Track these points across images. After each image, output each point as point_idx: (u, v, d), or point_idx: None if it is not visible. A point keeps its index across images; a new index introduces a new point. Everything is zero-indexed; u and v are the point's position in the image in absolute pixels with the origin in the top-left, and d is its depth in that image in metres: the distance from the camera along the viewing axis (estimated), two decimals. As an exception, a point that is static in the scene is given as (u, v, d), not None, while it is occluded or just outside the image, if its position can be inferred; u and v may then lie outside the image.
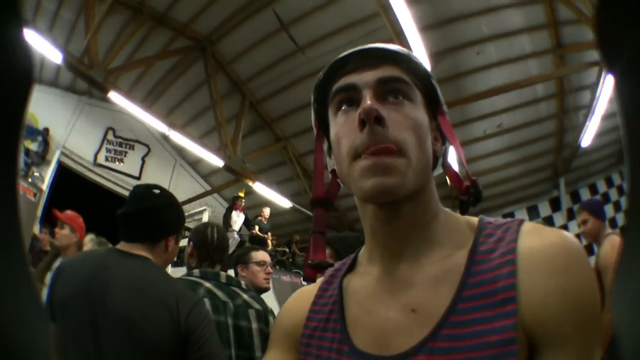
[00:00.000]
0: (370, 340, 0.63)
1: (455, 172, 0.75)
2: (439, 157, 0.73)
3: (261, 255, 2.64)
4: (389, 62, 0.68)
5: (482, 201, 0.68)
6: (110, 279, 1.51)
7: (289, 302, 0.82)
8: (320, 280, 0.80)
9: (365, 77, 0.67)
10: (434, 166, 0.72)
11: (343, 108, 0.68)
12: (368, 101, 0.63)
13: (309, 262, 0.73)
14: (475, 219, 0.68)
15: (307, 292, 0.80)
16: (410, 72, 0.69)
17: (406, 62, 0.70)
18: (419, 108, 0.68)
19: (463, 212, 0.72)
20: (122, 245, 1.66)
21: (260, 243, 8.08)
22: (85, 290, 1.49)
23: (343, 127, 0.66)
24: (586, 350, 0.51)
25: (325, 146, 0.78)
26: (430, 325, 0.57)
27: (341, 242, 2.04)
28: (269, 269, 2.63)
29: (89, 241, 2.64)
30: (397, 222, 0.66)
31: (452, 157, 0.79)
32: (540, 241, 0.57)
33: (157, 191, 1.76)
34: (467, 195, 0.70)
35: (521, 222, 0.62)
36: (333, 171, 0.76)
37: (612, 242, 3.01)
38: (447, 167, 0.76)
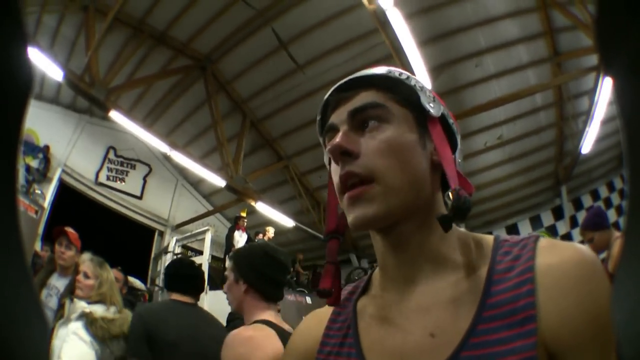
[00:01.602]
0: None
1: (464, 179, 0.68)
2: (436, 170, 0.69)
3: None
4: (364, 88, 0.68)
5: (466, 217, 0.60)
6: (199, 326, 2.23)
7: (302, 325, 0.81)
8: None
9: (340, 115, 0.68)
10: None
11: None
12: (337, 139, 0.64)
13: (316, 290, 0.75)
14: (490, 237, 0.67)
15: (321, 315, 0.79)
16: (389, 91, 0.68)
17: (383, 82, 0.68)
18: (399, 127, 0.66)
19: (445, 230, 0.62)
20: (179, 296, 2.41)
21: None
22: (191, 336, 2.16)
23: (332, 166, 0.70)
24: (607, 358, 0.50)
25: None
26: (450, 348, 0.56)
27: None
28: None
29: (87, 260, 2.61)
30: (403, 245, 0.65)
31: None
32: (557, 258, 0.56)
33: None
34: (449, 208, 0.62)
35: (537, 238, 0.61)
36: None
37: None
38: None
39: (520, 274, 0.57)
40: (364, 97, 0.67)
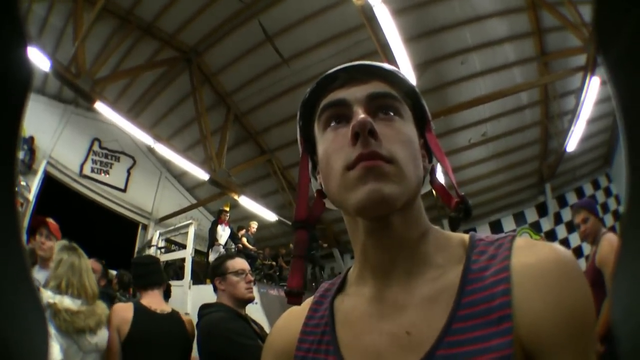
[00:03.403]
0: None
1: (444, 189, 0.73)
2: (426, 174, 0.71)
3: (239, 263, 2.38)
4: (377, 78, 0.68)
5: (471, 216, 0.67)
6: None
7: (280, 322, 0.81)
8: (310, 299, 0.79)
9: (355, 93, 0.66)
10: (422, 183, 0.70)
11: (332, 125, 0.67)
12: (361, 115, 0.62)
13: (285, 289, 0.72)
14: (465, 236, 0.68)
15: (298, 312, 0.78)
16: (399, 88, 0.69)
17: (394, 78, 0.70)
18: (408, 124, 0.67)
19: (454, 229, 0.71)
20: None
21: (250, 257, 8.04)
22: None
23: (333, 143, 0.65)
24: (583, 357, 0.51)
25: (309, 165, 0.76)
26: (426, 346, 0.56)
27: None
28: (250, 277, 2.36)
29: (61, 249, 2.54)
30: (388, 240, 0.64)
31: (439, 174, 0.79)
32: (533, 257, 0.56)
33: None
34: (456, 211, 0.68)
35: (513, 238, 0.62)
36: (318, 191, 0.74)
37: (610, 240, 3.09)
38: (435, 183, 0.74)
39: (495, 273, 0.57)
40: (379, 86, 0.67)
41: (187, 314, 6.33)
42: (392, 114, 0.65)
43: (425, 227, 0.67)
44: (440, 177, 0.78)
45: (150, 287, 2.70)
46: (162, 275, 2.88)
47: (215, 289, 2.38)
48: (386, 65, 0.70)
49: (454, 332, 0.55)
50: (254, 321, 2.38)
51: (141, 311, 2.52)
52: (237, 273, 2.33)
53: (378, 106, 0.65)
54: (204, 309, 2.32)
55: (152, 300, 2.63)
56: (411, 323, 0.60)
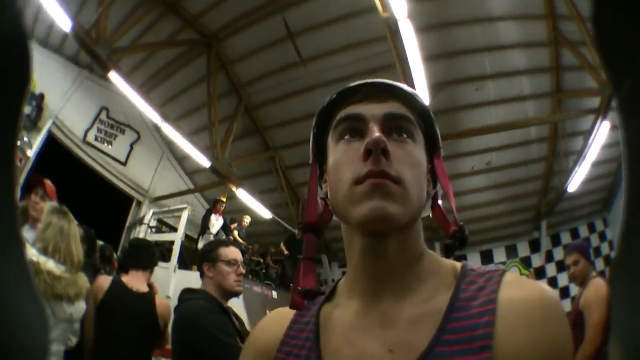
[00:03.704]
0: None
1: (444, 215, 0.74)
2: (428, 199, 0.72)
3: (232, 252, 2.25)
4: (395, 98, 0.70)
5: (467, 246, 0.68)
6: None
7: (265, 321, 0.82)
8: None
9: (372, 110, 0.68)
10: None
11: (346, 137, 0.69)
12: (377, 133, 0.64)
13: (299, 288, 0.71)
14: (457, 264, 0.69)
15: (284, 314, 0.79)
16: (415, 111, 0.71)
17: (412, 101, 0.71)
18: (419, 148, 0.69)
19: (448, 256, 0.72)
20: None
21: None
22: None
23: (345, 156, 0.67)
24: None
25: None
26: None
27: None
28: (241, 270, 2.24)
29: (52, 211, 2.48)
30: (384, 259, 0.66)
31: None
32: (519, 293, 0.58)
33: None
34: (453, 239, 0.69)
35: (503, 272, 0.64)
36: (323, 199, 0.75)
37: (597, 286, 3.11)
38: (436, 209, 0.75)
39: (482, 305, 0.59)
40: (396, 107, 0.69)
41: (168, 297, 6.37)
42: (405, 136, 0.67)
43: (421, 250, 0.68)
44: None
45: (136, 268, 2.93)
46: (153, 261, 3.07)
47: (202, 275, 2.24)
48: (406, 87, 0.72)
49: (435, 354, 0.57)
50: (236, 315, 2.28)
51: (117, 286, 2.76)
52: (229, 263, 2.20)
53: (393, 127, 0.67)
54: (186, 294, 2.21)
55: (133, 279, 2.86)
56: (395, 342, 0.61)
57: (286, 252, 9.30)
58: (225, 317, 2.13)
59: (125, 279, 2.85)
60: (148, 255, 3.04)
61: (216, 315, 2.08)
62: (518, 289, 0.59)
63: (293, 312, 0.77)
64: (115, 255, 5.27)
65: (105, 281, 2.80)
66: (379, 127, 0.66)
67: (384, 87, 0.70)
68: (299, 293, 0.71)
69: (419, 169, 0.66)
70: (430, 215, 0.76)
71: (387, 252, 0.65)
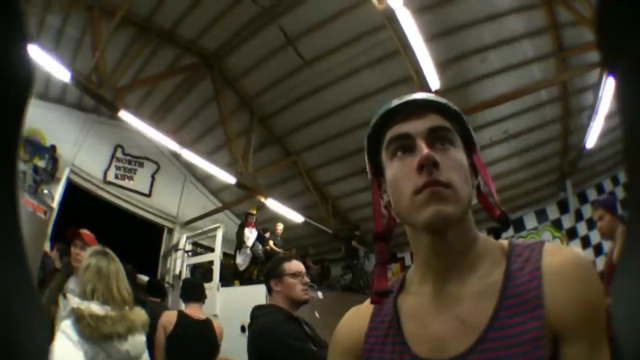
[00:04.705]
0: (428, 348, 0.76)
1: (489, 202, 0.86)
2: (473, 189, 0.83)
3: (295, 265, 2.44)
4: (433, 111, 0.82)
5: (510, 227, 0.83)
6: None
7: (346, 320, 0.95)
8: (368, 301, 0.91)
9: (416, 127, 0.80)
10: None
11: (398, 154, 0.81)
12: (425, 150, 0.76)
13: (375, 290, 0.84)
14: (504, 242, 0.82)
15: (362, 311, 0.92)
16: (451, 119, 0.83)
17: (447, 110, 0.83)
18: (459, 151, 0.81)
19: (496, 237, 0.87)
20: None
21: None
22: None
23: (401, 171, 0.79)
24: (597, 340, 0.66)
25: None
26: (479, 331, 0.71)
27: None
28: (306, 279, 2.42)
29: (91, 254, 2.49)
30: (446, 248, 0.78)
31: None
32: (558, 259, 0.72)
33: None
34: (499, 223, 0.83)
35: (543, 243, 0.77)
36: (386, 207, 0.88)
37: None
38: (481, 197, 0.87)
39: (530, 272, 0.73)
40: (436, 120, 0.81)
41: (215, 315, 6.44)
42: (447, 144, 0.79)
43: (474, 235, 0.82)
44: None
45: (193, 301, 3.78)
46: (204, 294, 3.92)
47: (270, 291, 2.42)
48: (439, 99, 0.84)
49: (499, 318, 0.70)
50: (306, 322, 2.41)
51: (183, 317, 3.55)
52: (294, 275, 2.37)
53: (437, 138, 0.79)
54: (257, 311, 2.38)
55: (192, 310, 3.69)
56: (465, 313, 0.75)
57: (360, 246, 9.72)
58: (296, 324, 2.27)
59: (187, 310, 3.68)
60: (200, 290, 3.89)
61: (288, 324, 2.23)
62: (556, 256, 0.73)
63: (370, 307, 0.90)
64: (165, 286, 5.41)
65: (172, 315, 3.53)
66: (425, 141, 0.78)
67: (421, 103, 0.82)
68: (374, 293, 0.84)
69: (463, 169, 0.78)
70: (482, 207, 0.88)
71: (448, 243, 0.78)
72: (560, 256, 0.73)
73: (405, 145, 0.79)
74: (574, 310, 0.67)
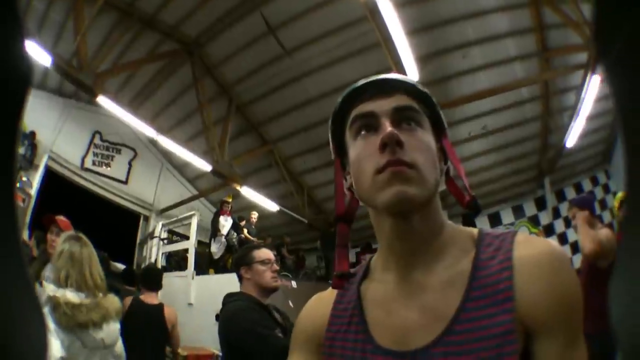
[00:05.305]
0: (391, 338, 0.72)
1: (457, 188, 0.82)
2: (441, 175, 0.79)
3: (264, 253, 2.47)
4: (400, 91, 0.77)
5: (480, 213, 0.78)
6: None
7: (308, 307, 0.91)
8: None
9: (382, 106, 0.76)
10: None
11: (362, 133, 0.77)
12: (388, 127, 0.72)
13: (335, 273, 0.81)
14: (474, 230, 0.79)
15: (325, 297, 0.89)
16: (418, 100, 0.78)
17: (415, 92, 0.79)
18: (427, 133, 0.76)
19: (467, 224, 0.84)
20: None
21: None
22: None
23: (364, 150, 0.75)
24: (571, 336, 0.64)
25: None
26: (445, 322, 0.68)
27: None
28: (275, 267, 2.45)
29: (65, 239, 2.44)
30: (411, 234, 0.74)
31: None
32: (531, 250, 0.68)
33: None
34: (468, 208, 0.79)
35: (515, 233, 0.74)
36: (349, 189, 0.83)
37: (604, 234, 3.17)
38: (449, 183, 0.83)
39: (500, 262, 0.69)
40: (402, 100, 0.76)
41: (190, 304, 6.41)
42: (413, 124, 0.75)
43: (441, 221, 0.77)
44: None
45: (148, 288, 3.93)
46: (159, 283, 4.10)
47: (240, 279, 2.43)
48: (408, 79, 0.80)
49: (467, 309, 0.67)
50: (278, 310, 2.46)
51: (136, 302, 3.71)
52: (263, 262, 2.40)
53: (402, 118, 0.75)
54: (227, 298, 2.41)
55: (147, 296, 3.84)
56: (431, 303, 0.71)
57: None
58: (264, 312, 2.30)
59: (142, 297, 3.83)
60: (156, 278, 4.07)
61: (253, 312, 2.25)
62: (529, 247, 0.69)
63: (332, 294, 0.87)
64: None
65: (127, 301, 3.64)
66: (390, 120, 0.74)
67: (389, 82, 0.78)
68: (335, 276, 0.81)
69: (430, 151, 0.74)
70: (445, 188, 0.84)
71: (413, 227, 0.73)
72: (533, 247, 0.69)
73: (369, 123, 0.76)
74: (547, 304, 0.64)
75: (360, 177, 0.75)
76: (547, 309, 0.63)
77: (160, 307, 3.84)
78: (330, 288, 0.89)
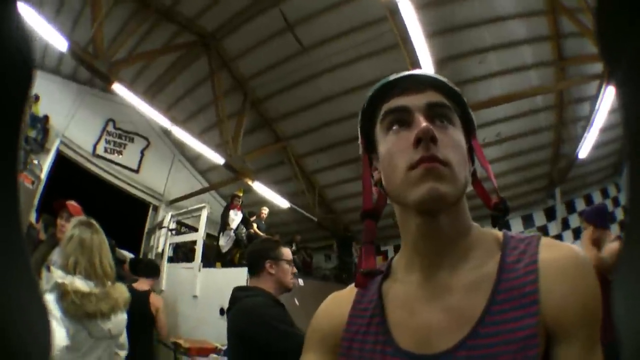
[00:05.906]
0: (414, 340, 0.71)
1: (484, 189, 0.83)
2: (469, 176, 0.78)
3: (289, 253, 2.45)
4: (432, 88, 0.76)
5: (509, 215, 0.78)
6: None
7: (325, 306, 0.89)
8: (352, 286, 0.86)
9: (415, 101, 0.75)
10: None
11: (394, 128, 0.75)
12: (424, 123, 0.70)
13: (361, 270, 0.79)
14: (499, 233, 0.78)
15: (343, 296, 0.87)
16: (450, 98, 0.77)
17: (446, 89, 0.78)
18: (458, 131, 0.76)
19: (494, 226, 0.82)
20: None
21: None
22: None
23: (396, 145, 0.74)
24: (591, 341, 0.63)
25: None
26: (470, 324, 0.67)
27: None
28: (294, 269, 2.45)
29: (75, 225, 2.38)
30: (438, 234, 0.73)
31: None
32: (556, 254, 0.68)
33: None
34: (496, 210, 0.79)
35: (540, 237, 0.73)
36: (376, 185, 0.82)
37: (609, 248, 3.14)
38: (476, 184, 0.83)
39: (526, 266, 0.68)
40: (434, 96, 0.75)
41: (195, 296, 6.43)
42: (446, 122, 0.74)
43: (468, 223, 0.77)
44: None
45: (143, 276, 4.36)
46: (153, 272, 4.58)
47: (260, 272, 2.33)
48: (439, 77, 0.79)
49: (492, 312, 0.66)
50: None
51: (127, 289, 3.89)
52: (289, 262, 2.39)
53: (435, 114, 0.74)
54: (240, 292, 2.33)
55: (139, 284, 4.22)
56: (457, 305, 0.70)
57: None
58: (283, 309, 2.23)
59: (135, 284, 4.12)
60: (150, 268, 4.55)
61: (275, 308, 2.19)
62: (554, 251, 0.69)
63: (351, 294, 0.85)
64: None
65: None
66: (423, 116, 0.72)
67: (421, 78, 0.77)
68: (361, 274, 0.79)
69: (461, 150, 0.74)
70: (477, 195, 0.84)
71: (441, 227, 0.73)
72: (559, 251, 0.69)
73: (402, 118, 0.74)
74: (572, 307, 0.63)
75: (391, 173, 0.74)
76: (571, 313, 0.63)
77: (146, 293, 4.19)
78: (348, 287, 0.87)
